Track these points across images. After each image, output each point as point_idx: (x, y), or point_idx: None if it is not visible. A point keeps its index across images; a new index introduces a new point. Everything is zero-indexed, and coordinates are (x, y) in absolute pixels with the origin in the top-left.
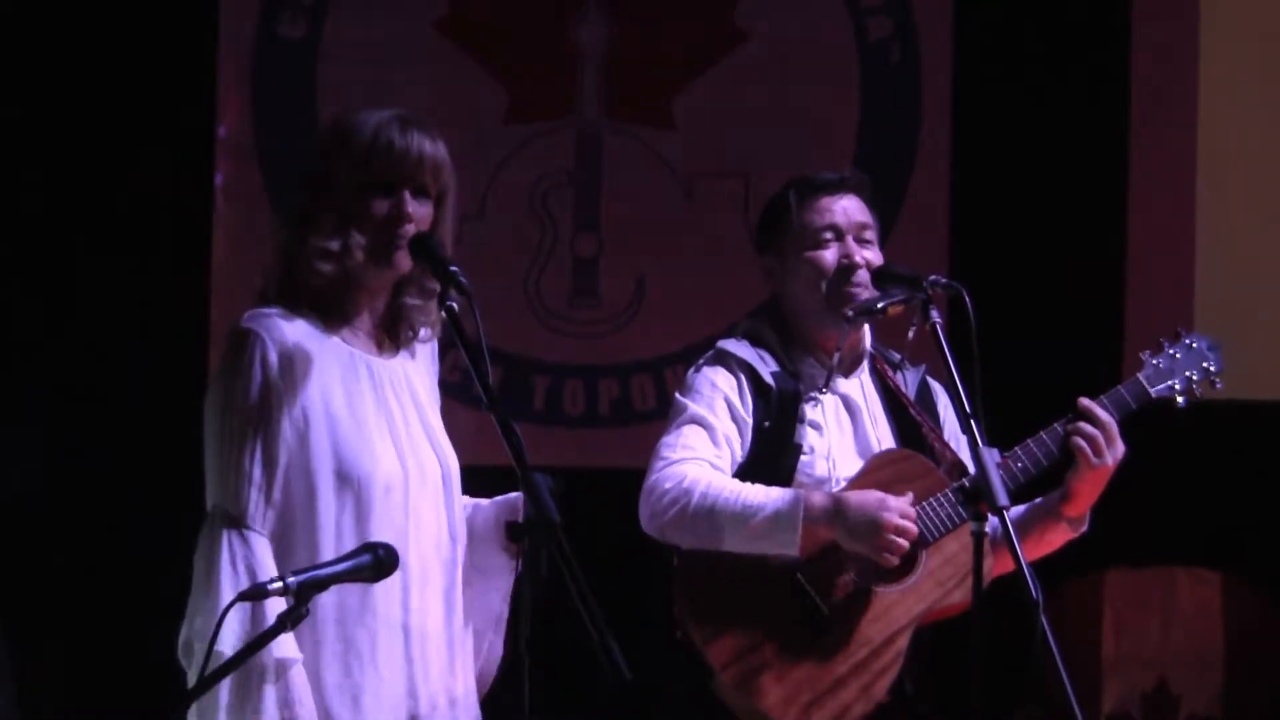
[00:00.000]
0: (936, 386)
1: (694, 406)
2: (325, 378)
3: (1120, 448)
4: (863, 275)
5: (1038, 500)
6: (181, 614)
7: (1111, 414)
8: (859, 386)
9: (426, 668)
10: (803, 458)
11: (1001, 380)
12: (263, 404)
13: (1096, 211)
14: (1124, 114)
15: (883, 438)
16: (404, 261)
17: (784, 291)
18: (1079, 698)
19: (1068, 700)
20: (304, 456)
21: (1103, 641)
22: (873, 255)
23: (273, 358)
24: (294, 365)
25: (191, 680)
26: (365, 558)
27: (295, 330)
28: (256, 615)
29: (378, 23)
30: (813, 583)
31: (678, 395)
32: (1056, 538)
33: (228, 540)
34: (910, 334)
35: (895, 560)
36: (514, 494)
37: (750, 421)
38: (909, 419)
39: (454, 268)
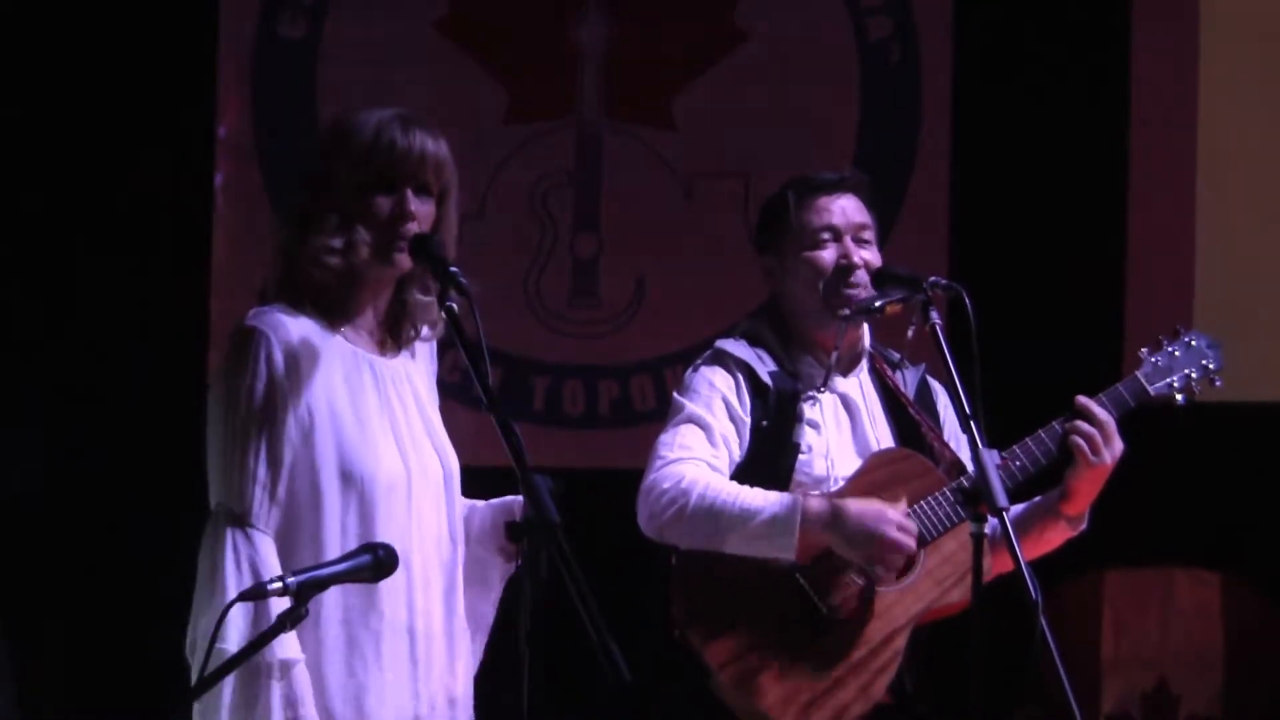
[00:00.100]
0: (936, 386)
1: (692, 406)
2: (329, 376)
3: (1119, 446)
4: (860, 276)
5: (1036, 499)
6: (182, 613)
7: (1110, 412)
8: (858, 386)
9: (430, 668)
10: (801, 457)
11: (1001, 380)
12: (268, 402)
13: (1096, 211)
14: (1124, 114)
15: (881, 437)
16: (406, 260)
17: (782, 291)
18: (1078, 698)
19: (1067, 700)
20: (308, 455)
21: (1102, 641)
22: (871, 255)
23: (278, 356)
24: (299, 363)
25: (195, 679)
26: (365, 558)
27: (299, 328)
28: (261, 614)
29: (378, 23)
30: (811, 582)
31: (676, 395)
32: (1055, 536)
33: (232, 539)
34: (909, 333)
35: (888, 574)
36: (510, 497)
37: (748, 421)
38: (908, 418)
39: (454, 268)
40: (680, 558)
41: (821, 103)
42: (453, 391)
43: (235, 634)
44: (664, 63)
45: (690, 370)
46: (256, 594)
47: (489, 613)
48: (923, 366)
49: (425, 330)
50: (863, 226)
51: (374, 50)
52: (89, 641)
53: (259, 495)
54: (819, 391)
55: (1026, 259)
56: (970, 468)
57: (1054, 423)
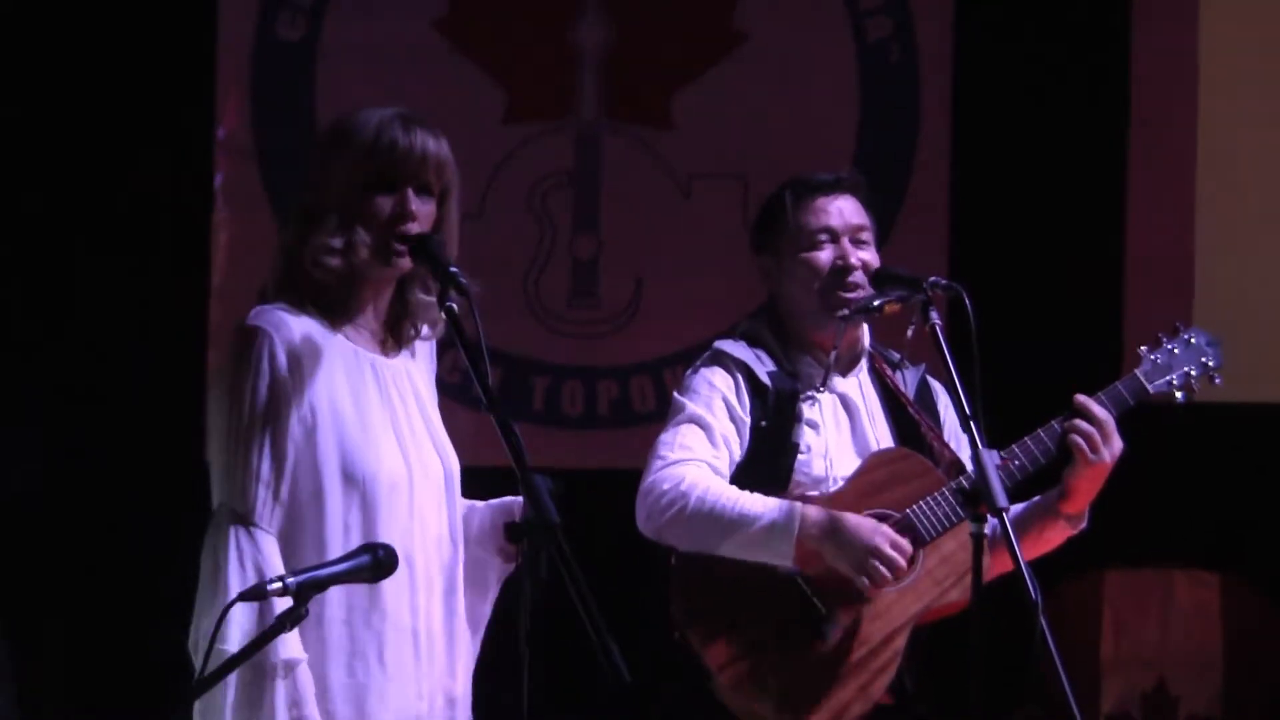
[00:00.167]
0: (936, 385)
1: (692, 406)
2: (331, 375)
3: (1118, 444)
4: (858, 277)
5: (1036, 498)
6: (182, 613)
7: (1109, 410)
8: (857, 386)
9: (432, 669)
10: (800, 457)
11: (1001, 380)
12: (271, 401)
13: (1096, 211)
14: (1124, 114)
15: (881, 437)
16: (406, 260)
17: (780, 292)
18: (1078, 698)
19: (1067, 700)
20: (311, 454)
21: (1102, 642)
22: (869, 256)
23: (280, 355)
24: (301, 363)
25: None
26: (364, 558)
27: (301, 327)
28: (264, 614)
29: (377, 23)
30: (810, 583)
31: (676, 395)
32: (1055, 535)
33: (235, 538)
34: (909, 333)
35: (873, 589)
36: (509, 497)
37: (748, 421)
38: (907, 418)
39: (454, 268)
40: (680, 558)
41: (821, 103)
42: (453, 391)
43: (236, 634)
44: (663, 63)
45: (690, 371)
46: (256, 594)
47: (486, 613)
48: (923, 366)
49: (425, 330)
50: (860, 228)
51: (373, 51)
52: (89, 641)
53: (262, 494)
54: (818, 391)
55: (1026, 259)
56: (970, 467)
57: (1053, 421)
